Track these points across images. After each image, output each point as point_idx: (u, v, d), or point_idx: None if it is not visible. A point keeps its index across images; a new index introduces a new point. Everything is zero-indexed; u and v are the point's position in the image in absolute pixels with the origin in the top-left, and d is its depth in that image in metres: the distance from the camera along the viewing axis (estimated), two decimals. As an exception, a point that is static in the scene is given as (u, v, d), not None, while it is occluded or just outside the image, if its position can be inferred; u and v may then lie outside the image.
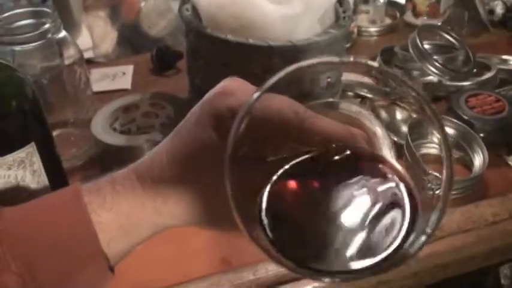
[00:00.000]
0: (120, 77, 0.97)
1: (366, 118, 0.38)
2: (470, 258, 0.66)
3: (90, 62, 1.01)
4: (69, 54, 0.76)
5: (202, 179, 0.36)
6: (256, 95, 0.30)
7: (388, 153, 0.35)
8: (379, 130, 0.37)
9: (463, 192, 0.70)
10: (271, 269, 0.59)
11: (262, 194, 0.33)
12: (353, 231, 0.32)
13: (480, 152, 0.73)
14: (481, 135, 0.74)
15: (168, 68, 0.98)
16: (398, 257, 0.30)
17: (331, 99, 0.39)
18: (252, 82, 0.64)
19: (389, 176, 0.33)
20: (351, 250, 0.31)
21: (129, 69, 1.00)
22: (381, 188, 0.33)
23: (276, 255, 0.30)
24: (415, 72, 0.90)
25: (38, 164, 0.49)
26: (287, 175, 0.34)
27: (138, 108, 0.81)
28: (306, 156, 0.34)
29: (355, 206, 0.33)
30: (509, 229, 0.66)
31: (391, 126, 0.83)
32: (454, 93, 0.82)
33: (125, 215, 0.36)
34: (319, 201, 0.33)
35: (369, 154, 0.35)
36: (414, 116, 0.82)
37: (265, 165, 0.35)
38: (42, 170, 0.49)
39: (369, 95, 0.88)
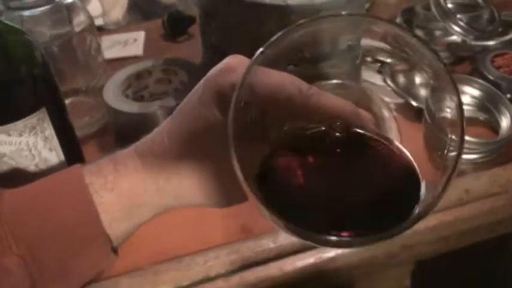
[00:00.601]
0: (132, 44, 0.95)
1: (374, 101, 0.37)
2: (498, 222, 0.64)
3: (101, 30, 0.99)
4: (79, 20, 0.74)
5: (205, 157, 0.35)
6: (259, 52, 0.29)
7: (394, 137, 0.35)
8: (386, 114, 0.36)
9: (490, 155, 0.68)
10: (290, 237, 0.57)
11: (267, 168, 0.32)
12: (359, 200, 0.31)
13: (507, 114, 0.70)
14: (508, 96, 0.71)
15: (180, 34, 0.96)
16: (406, 223, 0.29)
17: (340, 81, 0.37)
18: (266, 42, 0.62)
19: (394, 152, 0.33)
20: (361, 216, 0.31)
21: (141, 35, 0.97)
22: (384, 162, 0.33)
23: (287, 225, 0.29)
24: (438, 32, 0.86)
25: (49, 130, 0.47)
26: (291, 150, 0.33)
27: (151, 74, 0.78)
28: (310, 131, 0.34)
29: (359, 177, 0.33)
30: (538, 192, 0.64)
31: (410, 91, 0.81)
32: (479, 53, 0.79)
33: (126, 195, 0.35)
34: (324, 173, 0.33)
35: (373, 133, 0.35)
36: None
37: (269, 141, 0.34)
38: (55, 137, 0.48)
39: (388, 60, 0.84)
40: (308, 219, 0.30)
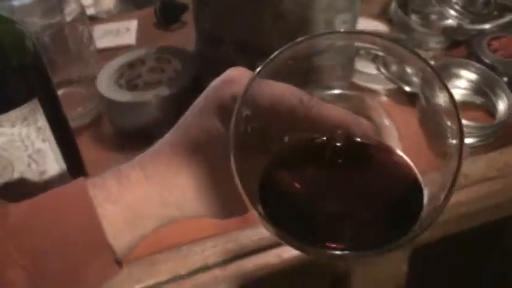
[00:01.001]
0: (124, 33, 0.94)
1: (375, 110, 0.37)
2: (496, 206, 0.63)
3: (92, 19, 0.97)
4: (70, 9, 0.73)
5: (207, 168, 0.35)
6: (260, 66, 0.30)
7: (395, 146, 0.34)
8: (387, 122, 0.36)
9: (487, 139, 0.67)
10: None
11: (268, 179, 0.32)
12: (361, 213, 0.32)
13: (504, 97, 0.70)
14: (505, 79, 0.71)
15: (173, 22, 0.95)
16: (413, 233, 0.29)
17: (340, 91, 0.37)
18: (262, 29, 0.61)
19: (395, 162, 0.33)
20: (363, 229, 0.31)
21: (133, 24, 0.96)
22: (386, 172, 0.33)
23: (290, 239, 0.29)
24: (433, 16, 0.85)
25: (42, 121, 0.46)
26: (292, 160, 0.34)
27: (144, 63, 0.78)
28: (311, 142, 0.34)
29: (361, 189, 0.33)
30: (535, 175, 0.64)
31: (403, 78, 0.80)
32: (474, 37, 0.78)
33: (130, 207, 0.35)
34: (325, 184, 0.33)
35: (375, 142, 0.35)
36: (432, 62, 0.79)
37: (270, 152, 0.34)
38: (48, 127, 0.47)
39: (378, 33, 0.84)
40: (309, 233, 0.30)
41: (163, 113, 0.71)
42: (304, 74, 0.35)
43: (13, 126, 0.44)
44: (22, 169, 0.47)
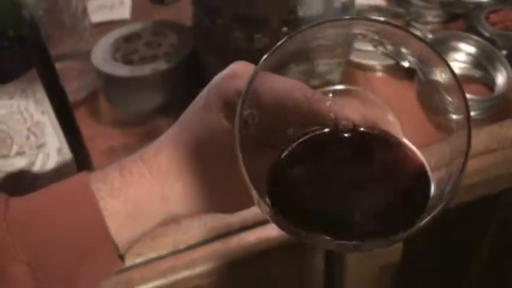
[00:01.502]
0: (118, 7, 0.92)
1: (377, 105, 0.37)
2: (496, 178, 0.64)
3: (85, -7, 0.95)
4: (63, -18, 0.71)
5: (209, 163, 0.35)
6: (262, 59, 0.30)
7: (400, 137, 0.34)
8: (390, 118, 0.36)
9: (486, 112, 0.67)
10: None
11: (274, 170, 0.32)
12: (368, 203, 0.32)
13: (503, 70, 0.69)
14: (504, 52, 0.71)
15: (168, -4, 0.93)
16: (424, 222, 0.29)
17: (345, 87, 0.37)
18: (260, 2, 0.60)
19: (401, 150, 0.33)
20: (370, 220, 0.31)
21: (127, -2, 0.94)
22: (392, 161, 0.34)
23: (294, 229, 0.29)
24: (431, -11, 0.85)
25: (41, 92, 0.45)
26: (297, 152, 0.33)
27: (140, 37, 0.76)
28: (316, 133, 0.34)
29: (367, 179, 0.32)
30: (535, 148, 0.64)
31: (400, 53, 0.80)
32: (473, 10, 0.78)
33: (132, 201, 0.35)
34: (333, 177, 0.33)
35: (380, 131, 0.35)
36: (430, 36, 0.78)
37: (274, 144, 0.34)
38: (46, 99, 0.46)
39: (382, 19, 0.83)
40: (317, 224, 0.29)
41: (160, 88, 0.71)
42: (304, 58, 0.35)
43: (11, 98, 0.43)
44: (21, 142, 0.46)
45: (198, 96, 0.37)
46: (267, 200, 0.30)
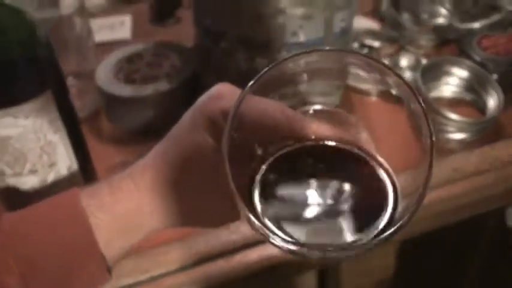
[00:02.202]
0: (119, 27, 0.94)
1: (352, 124, 0.40)
2: (486, 199, 0.66)
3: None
4: (68, 3, 0.73)
5: (196, 179, 0.37)
6: (249, 85, 0.32)
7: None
8: (364, 136, 0.38)
9: (478, 134, 0.70)
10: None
11: (255, 182, 0.34)
12: (340, 212, 0.34)
13: (494, 94, 0.72)
14: (495, 76, 0.73)
15: (168, 17, 0.95)
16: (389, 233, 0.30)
17: (322, 107, 0.40)
18: (263, 25, 0.62)
19: (371, 162, 0.36)
20: (343, 228, 0.33)
21: (127, 19, 0.96)
22: (362, 173, 0.36)
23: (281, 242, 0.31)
24: (424, 15, 0.87)
25: (54, 113, 0.47)
26: (277, 165, 0.35)
27: (142, 58, 0.78)
28: (294, 147, 0.36)
29: (339, 190, 0.35)
30: (525, 169, 0.66)
31: (387, 82, 0.82)
32: (465, 35, 0.80)
33: (122, 217, 0.37)
34: (305, 186, 0.35)
35: (353, 148, 0.37)
36: (424, 60, 0.81)
37: (257, 158, 0.36)
38: (59, 119, 0.48)
39: (375, 43, 0.86)
40: (295, 233, 0.32)
41: (162, 108, 0.72)
42: (300, 81, 0.37)
43: (27, 118, 0.45)
44: (34, 161, 0.47)
45: (184, 115, 0.38)
46: (253, 213, 0.32)
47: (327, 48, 0.39)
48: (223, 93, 0.37)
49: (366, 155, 0.36)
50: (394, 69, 0.34)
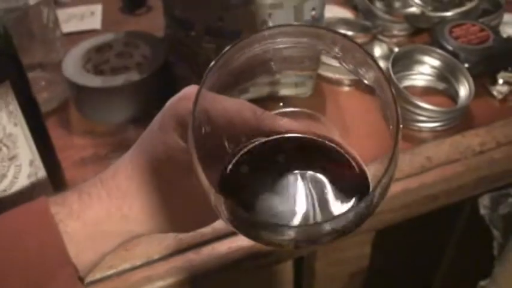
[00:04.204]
0: (89, 17, 0.92)
1: (324, 124, 0.40)
2: (459, 188, 0.66)
3: (55, 3, 0.95)
4: (34, -8, 0.71)
5: (167, 183, 0.37)
6: (204, 77, 0.32)
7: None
8: (334, 132, 0.39)
9: (449, 123, 0.70)
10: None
11: (226, 176, 0.34)
12: (310, 197, 0.34)
13: (466, 83, 0.72)
14: (466, 65, 0.73)
15: (139, 6, 0.94)
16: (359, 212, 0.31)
17: (291, 109, 0.40)
18: (232, 14, 0.62)
19: (342, 152, 0.36)
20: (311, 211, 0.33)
21: (98, 8, 0.94)
22: (334, 162, 0.36)
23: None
24: (397, 4, 0.87)
25: (14, 104, 0.46)
26: (248, 157, 0.36)
27: (112, 48, 0.77)
28: (264, 140, 0.37)
29: (311, 177, 0.35)
30: (496, 158, 0.67)
31: (360, 72, 0.81)
32: (437, 24, 0.80)
33: (92, 223, 0.36)
34: (277, 174, 0.35)
35: (322, 137, 0.38)
36: (396, 49, 0.81)
37: (228, 154, 0.36)
38: (19, 111, 0.46)
39: (349, 32, 0.85)
40: (266, 219, 0.32)
41: (132, 99, 0.71)
42: (267, 70, 0.37)
43: (-16, 110, 0.43)
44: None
45: (154, 119, 0.38)
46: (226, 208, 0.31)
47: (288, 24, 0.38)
48: (191, 95, 0.36)
49: (337, 146, 0.37)
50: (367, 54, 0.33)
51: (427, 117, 0.69)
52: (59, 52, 0.75)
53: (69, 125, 0.73)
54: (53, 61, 0.75)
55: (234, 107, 0.36)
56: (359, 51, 0.33)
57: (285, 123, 0.37)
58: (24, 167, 0.49)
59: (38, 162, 0.50)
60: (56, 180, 0.54)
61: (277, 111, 0.39)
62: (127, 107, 0.71)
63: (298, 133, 0.37)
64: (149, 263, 0.55)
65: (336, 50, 0.35)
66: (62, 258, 0.35)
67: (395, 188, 0.62)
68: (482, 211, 0.81)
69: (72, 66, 0.72)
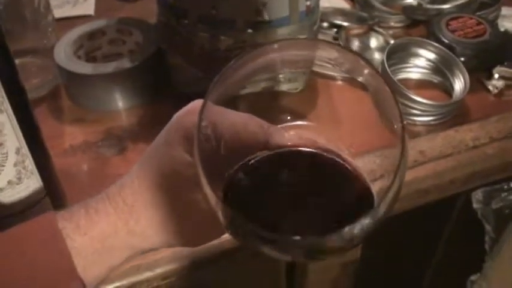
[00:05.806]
0: (82, 3, 0.91)
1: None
2: (451, 182, 0.65)
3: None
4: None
5: (173, 197, 0.36)
6: (209, 89, 0.32)
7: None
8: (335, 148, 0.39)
9: (444, 117, 0.69)
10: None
11: (232, 190, 0.34)
12: (314, 209, 0.34)
13: (461, 77, 0.72)
14: (462, 59, 0.73)
15: (133, -8, 0.93)
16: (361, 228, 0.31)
17: (299, 122, 0.41)
18: (225, 2, 0.61)
19: (347, 166, 0.36)
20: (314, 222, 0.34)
21: (91, -6, 0.93)
22: (338, 175, 0.37)
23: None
24: (394, -5, 0.87)
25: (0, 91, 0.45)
26: (254, 171, 0.36)
27: (104, 34, 0.76)
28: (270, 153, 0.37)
29: (316, 191, 0.35)
30: (489, 153, 0.66)
31: (365, 55, 0.81)
32: (434, 17, 0.79)
33: (98, 238, 0.36)
34: (283, 188, 0.36)
35: (328, 151, 0.38)
36: (392, 41, 0.80)
37: (233, 165, 0.36)
38: (5, 98, 0.45)
39: (345, 23, 0.84)
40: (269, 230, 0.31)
41: (124, 86, 0.70)
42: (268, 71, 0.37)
43: (-32, 96, 0.43)
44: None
45: (160, 134, 0.38)
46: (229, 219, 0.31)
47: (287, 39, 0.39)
48: (198, 109, 0.36)
49: (341, 159, 0.37)
50: (364, 54, 0.33)
51: (421, 110, 0.68)
52: (50, 38, 0.74)
53: (60, 112, 0.73)
54: (45, 47, 0.74)
55: (241, 120, 0.36)
56: (360, 62, 0.33)
57: (291, 137, 0.37)
58: (11, 155, 0.48)
59: (25, 150, 0.49)
60: (44, 168, 0.53)
61: (283, 124, 0.39)
62: (118, 95, 0.70)
63: (304, 147, 0.37)
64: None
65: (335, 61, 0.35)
66: (69, 273, 0.35)
67: (387, 181, 0.62)
68: (475, 205, 0.81)
69: (64, 52, 0.71)
